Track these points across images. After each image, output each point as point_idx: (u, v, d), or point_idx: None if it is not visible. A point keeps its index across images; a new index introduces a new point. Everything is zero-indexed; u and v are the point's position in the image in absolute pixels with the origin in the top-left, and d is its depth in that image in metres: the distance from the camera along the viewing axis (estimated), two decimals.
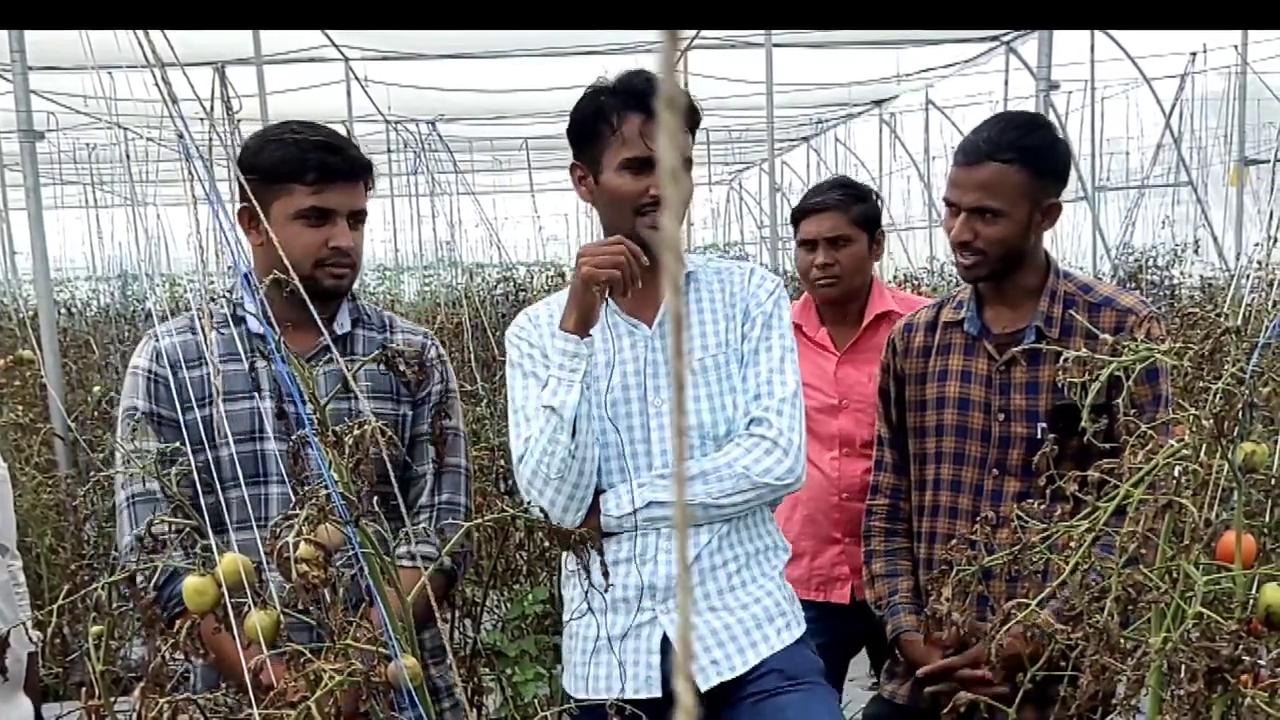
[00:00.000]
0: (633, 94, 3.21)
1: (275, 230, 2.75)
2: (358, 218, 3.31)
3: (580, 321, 3.13)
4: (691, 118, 3.31)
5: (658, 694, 3.23)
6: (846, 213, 4.47)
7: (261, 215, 2.75)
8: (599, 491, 3.31)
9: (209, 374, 3.22)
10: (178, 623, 2.22)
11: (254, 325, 3.20)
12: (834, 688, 4.62)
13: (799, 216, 4.59)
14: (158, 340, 3.32)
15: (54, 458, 7.12)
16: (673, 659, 3.23)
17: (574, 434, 3.16)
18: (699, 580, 3.28)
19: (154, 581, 2.36)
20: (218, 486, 2.95)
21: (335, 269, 3.24)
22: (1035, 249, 3.54)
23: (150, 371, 3.28)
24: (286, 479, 3.03)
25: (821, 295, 4.53)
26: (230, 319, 3.21)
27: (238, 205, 3.09)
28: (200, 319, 3.21)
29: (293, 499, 2.19)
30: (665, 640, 3.29)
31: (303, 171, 3.14)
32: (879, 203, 4.67)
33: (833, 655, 4.53)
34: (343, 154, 3.25)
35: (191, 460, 2.65)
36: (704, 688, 3.22)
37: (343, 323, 3.40)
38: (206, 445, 3.10)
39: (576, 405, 3.15)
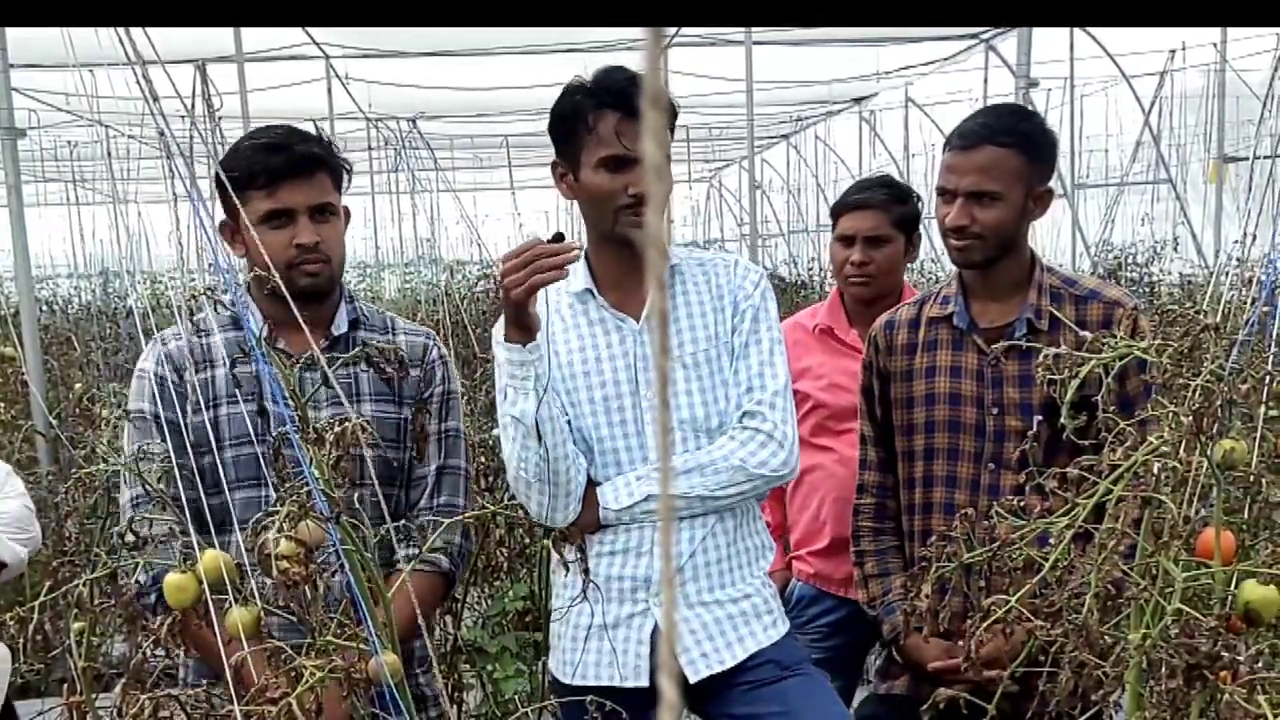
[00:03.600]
0: (608, 92, 3.23)
1: (248, 237, 2.75)
2: (323, 211, 3.29)
3: (516, 331, 3.14)
4: (671, 115, 3.35)
5: (645, 683, 3.29)
6: (888, 213, 4.45)
7: (243, 222, 2.73)
8: (595, 484, 3.36)
9: (213, 377, 3.24)
10: (160, 618, 2.23)
11: (255, 328, 3.21)
12: (850, 686, 4.69)
13: (840, 211, 4.55)
14: (164, 344, 3.33)
15: (35, 454, 7.13)
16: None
17: (540, 438, 3.20)
18: (691, 576, 3.34)
19: (149, 575, 2.36)
20: (225, 488, 2.96)
21: (306, 266, 3.22)
22: (1024, 239, 3.54)
23: (157, 375, 3.28)
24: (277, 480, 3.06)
25: (853, 293, 4.52)
26: (236, 321, 3.22)
27: (218, 218, 3.09)
28: (194, 321, 3.23)
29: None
30: (656, 631, 3.34)
31: (253, 177, 3.12)
32: (919, 204, 4.67)
33: (852, 655, 4.58)
34: (288, 151, 3.24)
35: (198, 461, 2.65)
36: (693, 680, 3.29)
37: (340, 324, 3.39)
38: (214, 447, 3.10)
39: (535, 412, 3.18)
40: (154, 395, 3.25)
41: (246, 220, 2.99)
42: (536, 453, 3.20)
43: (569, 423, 3.37)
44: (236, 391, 3.22)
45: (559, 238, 3.11)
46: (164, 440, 3.12)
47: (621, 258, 3.40)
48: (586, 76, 3.30)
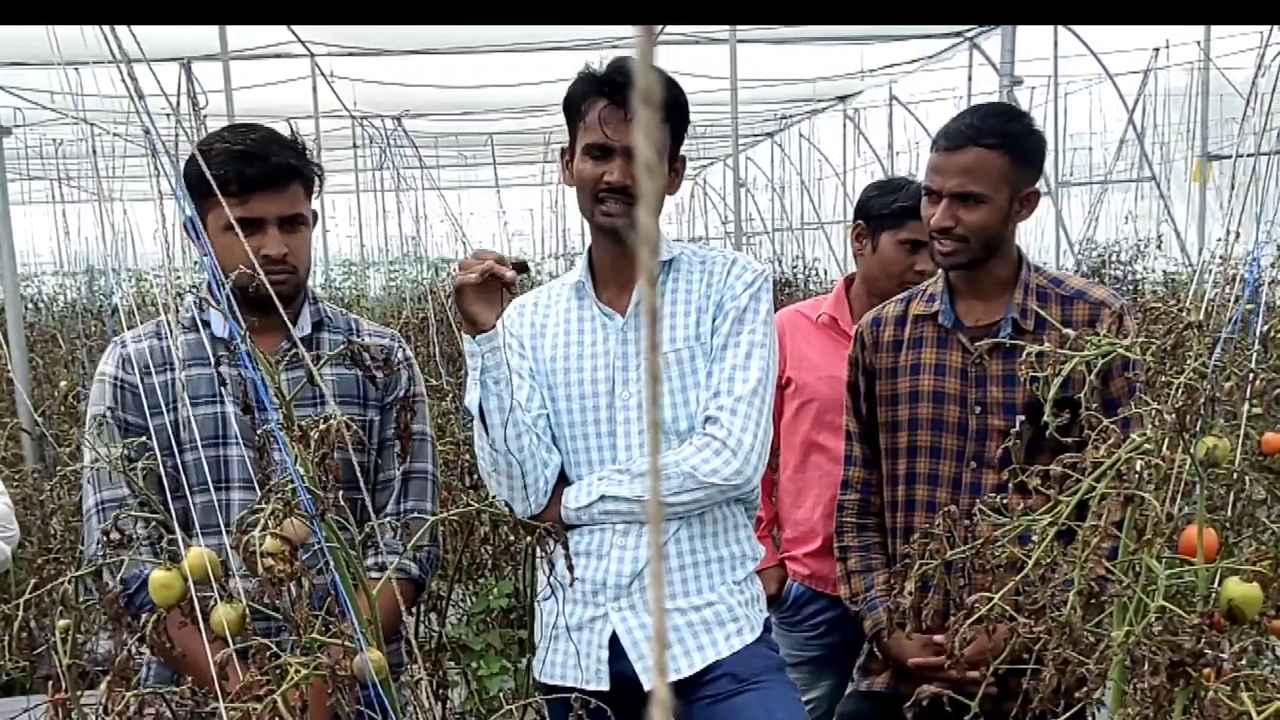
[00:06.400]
0: (602, 81, 3.24)
1: (213, 241, 2.73)
2: (293, 221, 3.26)
3: (465, 323, 3.15)
4: (676, 112, 3.31)
5: (605, 687, 3.26)
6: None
7: (200, 228, 2.69)
8: (568, 483, 3.35)
9: (175, 378, 3.21)
10: (144, 617, 2.22)
11: (218, 329, 3.20)
12: (844, 684, 4.68)
13: (909, 216, 4.28)
14: (124, 347, 3.31)
15: (20, 452, 7.14)
16: (627, 655, 3.28)
17: (487, 429, 3.21)
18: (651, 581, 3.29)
19: (120, 576, 2.35)
20: (186, 490, 2.93)
21: (270, 277, 3.13)
22: (1010, 239, 3.54)
23: (117, 378, 3.26)
24: (251, 483, 3.04)
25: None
26: (195, 323, 3.22)
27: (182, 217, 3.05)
28: (166, 320, 3.21)
29: (254, 503, 2.18)
30: (615, 636, 3.31)
31: (224, 184, 2.95)
32: None
33: (847, 653, 4.57)
34: (263, 162, 3.19)
35: (161, 464, 2.63)
36: (647, 686, 3.23)
37: (303, 326, 3.37)
38: (175, 449, 3.07)
39: (478, 402, 3.20)
40: (116, 399, 3.25)
41: (210, 224, 2.97)
42: (488, 441, 3.21)
43: (548, 417, 3.38)
44: (219, 392, 3.21)
45: (521, 266, 3.14)
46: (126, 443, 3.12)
47: (610, 250, 3.39)
48: (600, 66, 3.30)
